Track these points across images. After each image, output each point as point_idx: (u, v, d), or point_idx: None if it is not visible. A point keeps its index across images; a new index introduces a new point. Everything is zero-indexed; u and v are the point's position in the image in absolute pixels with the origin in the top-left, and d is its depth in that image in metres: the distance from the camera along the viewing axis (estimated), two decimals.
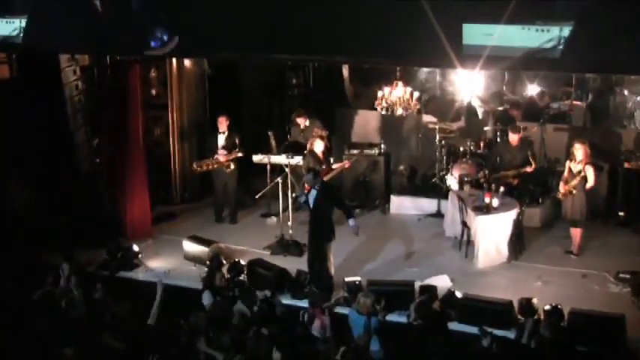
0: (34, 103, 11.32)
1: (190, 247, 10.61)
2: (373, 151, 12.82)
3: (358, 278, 9.44)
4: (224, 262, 10.14)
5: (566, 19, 7.69)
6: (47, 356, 7.07)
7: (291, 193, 11.02)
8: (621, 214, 11.64)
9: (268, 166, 11.58)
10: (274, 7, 8.80)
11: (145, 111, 11.68)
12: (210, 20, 9.18)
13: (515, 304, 8.65)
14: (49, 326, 7.47)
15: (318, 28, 8.67)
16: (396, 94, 11.24)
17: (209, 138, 12.24)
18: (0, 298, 8.33)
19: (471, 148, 12.41)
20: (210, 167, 11.88)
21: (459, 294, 9.03)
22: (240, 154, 11.82)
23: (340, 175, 12.27)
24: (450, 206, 11.31)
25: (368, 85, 14.51)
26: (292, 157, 11.18)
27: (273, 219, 11.97)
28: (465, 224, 10.60)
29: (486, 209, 10.31)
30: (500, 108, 13.78)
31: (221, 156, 11.76)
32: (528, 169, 11.19)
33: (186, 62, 12.89)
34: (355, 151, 12.83)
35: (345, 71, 14.85)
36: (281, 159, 11.36)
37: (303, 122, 12.61)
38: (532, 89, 14.23)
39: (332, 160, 12.00)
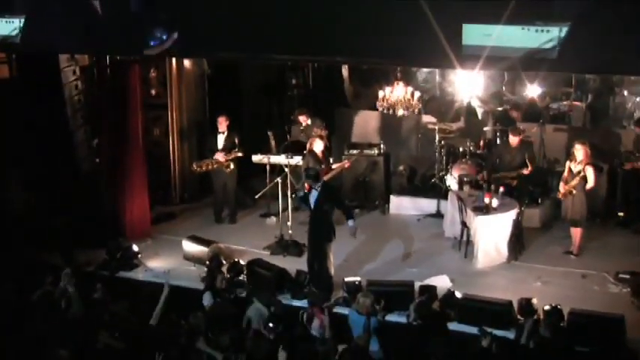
0: (33, 103, 11.30)
1: (190, 247, 10.60)
2: (373, 152, 12.81)
3: (358, 278, 9.43)
4: (224, 262, 10.13)
5: (565, 19, 7.69)
6: (47, 356, 7.06)
7: (291, 193, 11.01)
8: (621, 214, 11.62)
9: (268, 166, 11.59)
10: (274, 7, 8.80)
11: (144, 111, 11.66)
12: (210, 20, 9.17)
13: (515, 305, 8.63)
14: (49, 326, 7.47)
15: (318, 29, 8.66)
16: (396, 94, 11.24)
17: (209, 138, 12.22)
18: (0, 298, 8.33)
19: (471, 148, 12.41)
20: (209, 167, 11.87)
21: (458, 294, 9.01)
22: (239, 154, 11.81)
23: (340, 175, 12.26)
24: (449, 206, 11.31)
25: (367, 85, 14.56)
26: (292, 157, 11.19)
27: (273, 219, 11.97)
28: (464, 224, 10.61)
29: (486, 209, 10.31)
30: (500, 108, 13.79)
31: (220, 156, 11.77)
32: (525, 172, 11.18)
33: (186, 62, 12.88)
34: (355, 152, 12.81)
35: (345, 71, 14.87)
36: (280, 159, 11.37)
37: (304, 120, 12.62)
38: (532, 90, 14.21)
39: (332, 160, 12.01)
